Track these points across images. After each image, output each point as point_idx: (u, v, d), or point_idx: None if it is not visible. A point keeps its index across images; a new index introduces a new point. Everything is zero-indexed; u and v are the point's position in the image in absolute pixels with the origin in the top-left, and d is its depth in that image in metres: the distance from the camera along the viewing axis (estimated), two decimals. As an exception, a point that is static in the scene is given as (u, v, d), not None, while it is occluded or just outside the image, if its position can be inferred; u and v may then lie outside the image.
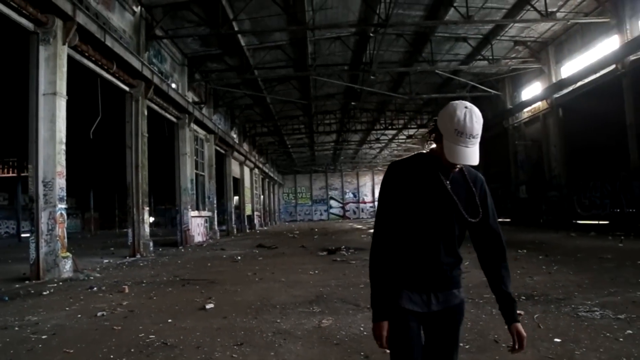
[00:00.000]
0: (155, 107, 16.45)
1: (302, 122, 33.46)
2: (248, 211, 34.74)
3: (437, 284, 1.88)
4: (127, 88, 14.31)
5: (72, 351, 3.85)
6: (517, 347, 1.89)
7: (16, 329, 4.72)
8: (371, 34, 17.25)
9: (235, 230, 28.14)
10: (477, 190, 1.97)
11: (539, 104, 21.44)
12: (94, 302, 6.06)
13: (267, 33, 17.90)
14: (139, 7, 15.20)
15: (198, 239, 20.12)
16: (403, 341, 1.82)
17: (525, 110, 22.77)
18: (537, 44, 20.61)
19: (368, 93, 24.52)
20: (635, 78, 15.12)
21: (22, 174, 34.80)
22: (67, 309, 5.70)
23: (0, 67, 14.42)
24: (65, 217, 10.18)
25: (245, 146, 33.28)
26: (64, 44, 10.31)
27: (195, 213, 20.30)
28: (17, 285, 8.25)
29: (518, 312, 4.33)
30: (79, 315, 5.28)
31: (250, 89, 24.15)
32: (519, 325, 1.90)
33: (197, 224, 20.55)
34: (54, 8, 9.78)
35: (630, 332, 3.75)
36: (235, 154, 28.89)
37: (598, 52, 17.16)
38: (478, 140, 1.78)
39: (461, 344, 3.30)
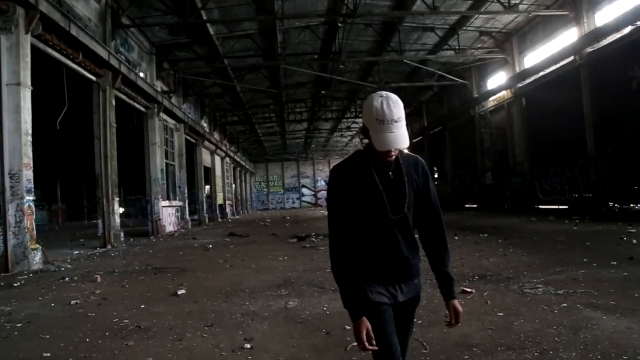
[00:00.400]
0: (124, 97, 16.27)
1: (273, 110, 33.48)
2: (220, 200, 34.68)
3: (401, 275, 1.92)
4: (94, 78, 14.11)
5: (48, 336, 4.01)
6: (453, 322, 1.98)
7: (-10, 317, 4.83)
8: (340, 24, 17.41)
9: (207, 219, 28.11)
10: (418, 174, 2.00)
11: (503, 93, 22.05)
12: (67, 292, 6.18)
13: (236, 22, 17.86)
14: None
15: (169, 228, 20.11)
16: (383, 334, 1.83)
17: (491, 99, 23.37)
18: (501, 35, 21.17)
19: (338, 82, 24.71)
20: (592, 69, 15.77)
21: None
22: (39, 298, 5.81)
23: None
24: (34, 209, 10.13)
25: (216, 135, 33.12)
26: (26, 32, 10.14)
27: (166, 203, 20.26)
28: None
29: (469, 289, 4.72)
30: (53, 304, 5.40)
31: (220, 77, 24.06)
32: (456, 302, 1.98)
33: (168, 213, 20.51)
34: (11, -8, 9.62)
35: (565, 305, 4.14)
36: (206, 143, 28.75)
37: (558, 44, 17.80)
38: (402, 123, 1.83)
39: (415, 319, 3.61)
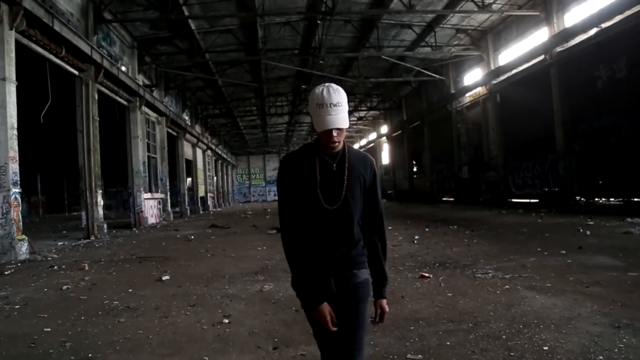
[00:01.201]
0: (106, 91, 16.45)
1: (254, 104, 33.75)
2: (201, 193, 34.89)
3: (336, 267, 1.97)
4: (76, 72, 14.30)
5: (45, 316, 4.43)
6: (377, 320, 2.06)
7: (-13, 301, 5.21)
8: (319, 21, 17.81)
9: (188, 211, 28.36)
10: (366, 171, 2.05)
11: (479, 89, 22.70)
12: (57, 278, 6.56)
13: (218, 17, 18.11)
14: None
15: (151, 220, 20.37)
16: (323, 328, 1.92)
17: (467, 95, 24.01)
18: (477, 32, 21.79)
19: (318, 77, 25.14)
20: (561, 68, 16.45)
21: None
22: (32, 284, 6.19)
23: None
24: (20, 201, 10.41)
25: (198, 128, 33.27)
26: (11, 29, 10.34)
27: (148, 195, 20.49)
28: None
29: (428, 275, 5.23)
30: (46, 289, 5.80)
31: (201, 71, 24.27)
32: (384, 302, 2.05)
33: (150, 206, 20.75)
34: (-7, -11, 9.81)
35: (507, 287, 4.70)
36: (188, 135, 28.94)
37: (530, 43, 18.47)
38: (341, 108, 1.91)
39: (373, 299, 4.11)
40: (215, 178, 42.94)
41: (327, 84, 1.95)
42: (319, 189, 1.96)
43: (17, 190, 10.26)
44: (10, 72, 10.28)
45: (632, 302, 3.85)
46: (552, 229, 9.48)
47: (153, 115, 22.17)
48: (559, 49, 16.35)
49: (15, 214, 10.09)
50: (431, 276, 5.42)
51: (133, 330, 3.85)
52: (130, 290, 5.48)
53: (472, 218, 14.10)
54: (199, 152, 34.09)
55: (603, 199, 15.37)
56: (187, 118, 29.93)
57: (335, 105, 1.88)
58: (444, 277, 5.38)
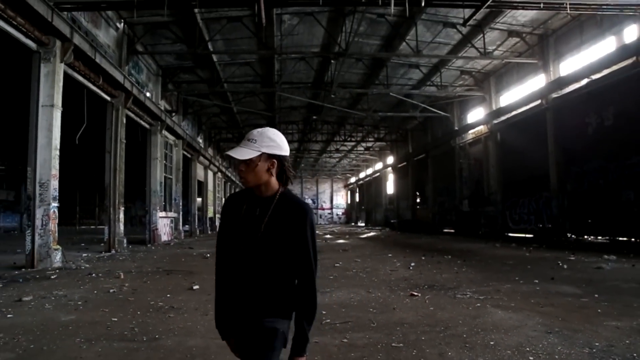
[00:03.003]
0: (132, 115, 17.79)
1: (266, 130, 35.15)
2: (210, 213, 36.03)
3: (247, 311, 1.98)
4: (109, 98, 15.69)
5: (107, 310, 5.55)
6: None
7: (52, 298, 6.34)
8: (332, 60, 19.22)
9: (197, 231, 29.48)
10: (295, 219, 1.98)
11: (481, 127, 23.94)
12: (101, 284, 7.68)
13: (239, 53, 19.60)
14: (122, 24, 16.63)
15: (164, 238, 21.47)
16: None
17: (470, 132, 25.25)
18: (480, 74, 23.17)
19: (329, 108, 26.54)
20: (556, 113, 17.67)
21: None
22: (81, 287, 7.31)
23: (4, 82, 15.93)
24: (57, 214, 11.58)
25: (210, 151, 34.65)
26: (61, 61, 11.75)
27: (163, 214, 21.66)
28: (15, 272, 9.60)
29: (416, 294, 6.30)
30: (95, 291, 6.92)
31: (219, 99, 25.73)
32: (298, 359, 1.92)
33: (163, 224, 21.89)
34: (55, 30, 11.19)
35: (479, 305, 5.78)
36: (201, 158, 30.28)
37: (529, 87, 19.78)
38: (252, 144, 1.95)
39: (370, 309, 5.23)
40: (223, 200, 44.15)
41: (267, 128, 2.04)
42: (238, 231, 2.03)
43: (56, 204, 11.43)
44: (58, 99, 11.62)
45: (570, 318, 4.92)
46: (536, 262, 10.50)
47: (171, 138, 23.51)
48: (554, 95, 17.58)
49: (53, 225, 11.25)
50: (419, 295, 6.51)
51: (183, 322, 4.95)
52: (168, 296, 6.58)
53: (467, 249, 15.09)
54: (210, 174, 35.38)
55: (592, 237, 16.33)
56: (201, 141, 31.33)
57: (248, 140, 1.96)
58: (429, 296, 6.46)
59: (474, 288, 7.02)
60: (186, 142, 25.13)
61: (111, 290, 6.95)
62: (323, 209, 64.96)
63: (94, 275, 8.86)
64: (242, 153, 1.93)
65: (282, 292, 1.98)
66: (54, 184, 11.35)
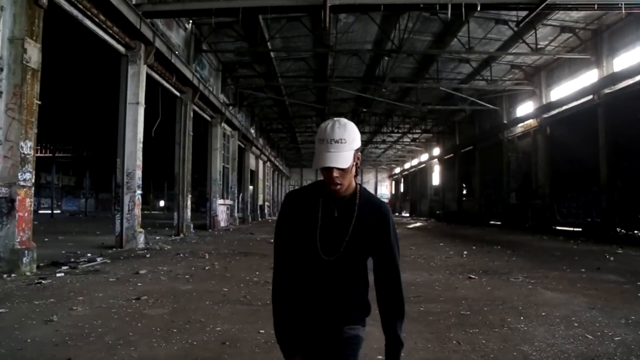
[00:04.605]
0: (196, 109, 19.20)
1: (315, 121, 36.23)
2: (260, 201, 37.60)
3: (324, 321, 1.86)
4: (178, 94, 17.09)
5: (214, 282, 6.71)
6: None
7: (162, 272, 7.59)
8: (386, 57, 19.97)
9: (250, 218, 31.01)
10: (376, 221, 1.88)
11: (530, 121, 24.11)
12: (193, 262, 8.93)
13: (296, 50, 20.63)
14: (190, 24, 17.93)
15: (222, 224, 22.95)
16: None
17: (519, 125, 25.43)
18: (531, 69, 23.31)
19: (378, 102, 27.28)
20: (608, 108, 17.81)
21: (57, 155, 38.50)
22: (178, 265, 8.56)
23: (95, 82, 17.89)
24: (141, 200, 12.98)
25: (261, 141, 36.07)
26: (144, 63, 13.10)
27: (221, 201, 23.13)
28: (110, 251, 10.99)
29: (474, 277, 7.18)
30: (193, 268, 8.14)
31: (272, 92, 26.91)
32: None
33: (221, 210, 23.38)
34: (140, 35, 12.50)
35: (530, 287, 6.61)
36: (253, 148, 31.75)
37: (581, 82, 19.88)
38: (344, 145, 1.74)
39: (435, 287, 6.16)
40: (271, 188, 45.73)
41: (336, 119, 1.80)
42: (318, 236, 1.85)
43: (140, 192, 12.82)
44: (142, 97, 12.97)
45: (611, 299, 5.71)
46: (583, 254, 11.09)
47: (229, 129, 24.91)
48: (606, 91, 17.70)
49: (137, 210, 12.65)
50: (476, 278, 7.39)
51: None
52: (257, 273, 7.70)
53: (515, 241, 15.67)
54: (260, 163, 36.86)
55: (641, 232, 16.57)
56: (253, 132, 32.73)
57: (336, 142, 1.74)
58: (485, 279, 7.33)
59: (524, 274, 7.82)
60: (241, 133, 26.53)
61: (206, 268, 8.16)
62: (369, 198, 65.84)
63: (181, 255, 10.13)
64: (339, 160, 1.74)
65: (362, 298, 1.91)
66: (138, 173, 12.71)
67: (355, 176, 1.90)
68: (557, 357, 3.61)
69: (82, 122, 29.14)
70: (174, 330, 4.23)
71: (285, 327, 1.88)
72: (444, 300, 5.70)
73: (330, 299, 1.86)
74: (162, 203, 61.75)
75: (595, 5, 12.34)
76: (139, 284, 6.50)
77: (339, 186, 1.82)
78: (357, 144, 1.82)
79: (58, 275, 7.16)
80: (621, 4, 12.21)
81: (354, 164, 1.82)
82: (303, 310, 1.88)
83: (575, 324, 4.53)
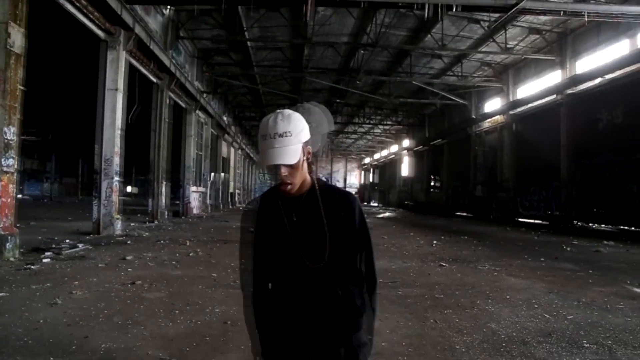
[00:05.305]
0: (172, 96, 19.18)
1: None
2: (232, 189, 37.66)
3: (311, 343, 1.64)
4: (155, 80, 17.08)
5: (201, 268, 7.04)
6: None
7: (148, 258, 7.85)
8: (362, 51, 20.38)
9: (221, 205, 31.12)
10: (339, 213, 1.67)
11: (497, 117, 25.02)
12: (175, 249, 9.20)
13: (273, 40, 20.81)
14: (169, 10, 17.83)
15: (195, 211, 23.05)
16: None
17: (487, 121, 26.32)
18: (499, 66, 24.17)
19: (351, 93, 27.74)
20: (570, 108, 18.76)
21: (20, 137, 37.52)
22: (161, 251, 8.83)
23: (66, 66, 17.55)
24: (119, 187, 13.05)
25: (234, 128, 36.06)
26: (124, 49, 13.12)
27: (195, 188, 23.22)
28: (87, 237, 11.04)
29: (445, 264, 7.73)
30: (177, 255, 8.42)
31: (247, 80, 27.00)
32: None
33: (194, 198, 23.46)
34: (120, 21, 12.51)
35: (496, 273, 7.23)
36: (226, 136, 31.80)
37: (546, 82, 20.81)
38: (289, 138, 1.56)
39: (410, 274, 6.66)
40: (242, 176, 45.77)
41: (279, 111, 1.65)
42: (294, 243, 1.67)
43: (118, 178, 12.86)
44: (121, 84, 13.01)
45: (566, 285, 6.38)
46: (543, 245, 11.87)
47: (203, 116, 24.90)
48: (569, 91, 18.61)
49: (115, 197, 12.73)
50: (447, 265, 7.96)
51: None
52: (243, 260, 8.00)
53: (480, 232, 16.46)
54: (232, 151, 36.89)
55: (596, 225, 17.61)
56: (226, 119, 32.71)
57: (280, 136, 1.56)
58: (455, 266, 7.92)
59: (490, 262, 8.45)
60: (215, 121, 26.55)
61: (190, 254, 8.46)
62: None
63: (162, 242, 10.37)
64: (285, 155, 1.57)
65: (347, 307, 1.64)
66: (117, 160, 12.76)
67: (310, 172, 1.72)
68: (520, 332, 4.16)
69: (48, 105, 28.50)
70: (176, 312, 4.57)
71: (270, 343, 1.71)
72: (419, 285, 6.21)
73: (316, 315, 1.64)
74: (129, 189, 60.87)
75: (562, 12, 13.07)
76: (129, 270, 6.76)
77: (289, 186, 1.64)
78: (305, 135, 1.64)
79: (45, 261, 7.32)
80: (584, 12, 12.98)
81: (305, 158, 1.66)
82: (287, 330, 1.68)
83: (536, 306, 5.11)
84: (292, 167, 1.61)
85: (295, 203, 1.70)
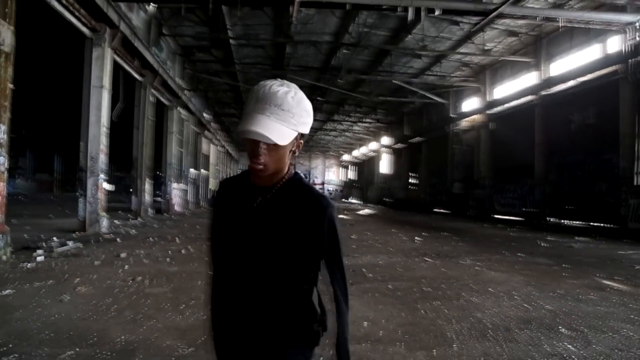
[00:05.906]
0: (155, 93, 19.17)
1: (269, 108, 36.51)
2: (212, 186, 37.63)
3: (244, 346, 1.47)
4: (139, 77, 17.08)
5: (197, 265, 7.25)
6: None
7: (141, 255, 8.02)
8: (344, 50, 20.70)
9: (202, 202, 31.11)
10: (312, 225, 1.43)
11: (475, 116, 25.70)
12: (166, 247, 9.36)
13: (256, 38, 20.96)
14: (150, 6, 17.80)
15: (177, 208, 23.07)
16: None
17: (464, 120, 27.00)
18: (477, 67, 24.78)
19: (332, 90, 28.06)
20: (544, 108, 19.47)
21: None
22: (153, 248, 8.99)
23: (58, 66, 17.42)
24: (105, 185, 13.09)
25: (214, 125, 36.02)
26: (109, 46, 13.15)
27: (176, 185, 23.24)
28: (74, 235, 11.06)
29: (429, 259, 8.14)
30: (169, 251, 8.61)
31: (228, 78, 27.06)
32: None
33: (176, 194, 23.48)
34: (106, 18, 12.52)
35: (477, 268, 7.65)
36: (207, 132, 31.79)
37: (522, 83, 21.51)
38: (287, 117, 1.35)
39: (397, 268, 7.03)
40: (221, 172, 45.74)
41: (293, 85, 1.45)
42: (237, 238, 1.48)
43: (104, 176, 12.91)
44: (106, 81, 13.02)
45: (542, 278, 6.85)
46: (519, 240, 12.42)
47: (184, 113, 24.89)
48: (543, 93, 19.33)
49: (101, 194, 12.78)
50: (431, 260, 8.37)
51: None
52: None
53: (459, 228, 17.01)
54: (212, 148, 36.88)
55: (569, 221, 18.35)
56: (207, 116, 32.66)
57: (278, 108, 1.34)
58: (438, 261, 8.32)
59: (471, 257, 8.89)
60: (196, 118, 26.55)
61: (182, 251, 8.66)
62: (315, 185, 66.74)
63: (151, 239, 10.51)
64: (274, 129, 1.33)
65: (284, 313, 1.45)
66: (103, 158, 12.79)
67: (291, 164, 1.52)
68: (503, 320, 4.55)
69: (24, 100, 27.99)
70: (183, 306, 4.81)
71: (215, 339, 1.57)
72: (407, 279, 6.58)
73: (250, 317, 1.46)
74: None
75: (537, 18, 13.63)
76: (125, 267, 6.93)
77: (261, 166, 1.39)
78: (305, 129, 1.44)
79: (38, 259, 7.41)
80: (559, 18, 13.58)
81: (292, 149, 1.46)
82: (227, 322, 1.52)
83: (516, 297, 5.53)
84: (275, 150, 1.38)
85: (262, 194, 1.48)
